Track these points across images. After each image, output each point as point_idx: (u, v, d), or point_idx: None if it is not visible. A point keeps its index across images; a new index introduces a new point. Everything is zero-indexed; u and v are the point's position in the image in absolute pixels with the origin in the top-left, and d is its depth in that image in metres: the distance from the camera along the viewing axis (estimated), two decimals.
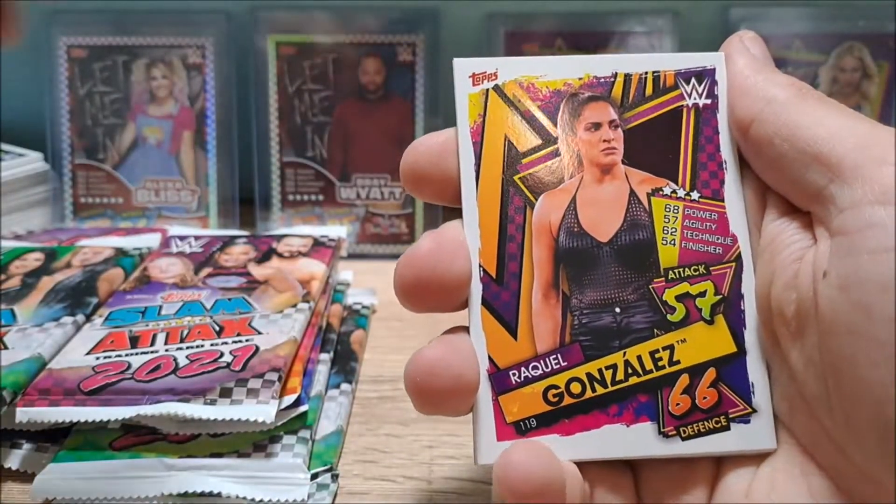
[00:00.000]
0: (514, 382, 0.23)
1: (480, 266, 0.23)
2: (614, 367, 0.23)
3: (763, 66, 0.23)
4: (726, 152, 0.24)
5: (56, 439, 0.30)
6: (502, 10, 0.55)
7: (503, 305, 0.23)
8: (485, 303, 0.23)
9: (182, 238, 0.43)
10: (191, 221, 0.53)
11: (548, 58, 0.25)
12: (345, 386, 0.34)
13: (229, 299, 0.36)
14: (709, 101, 0.24)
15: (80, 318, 0.35)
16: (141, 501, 0.27)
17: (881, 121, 0.54)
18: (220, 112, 0.53)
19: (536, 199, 0.24)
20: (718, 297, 0.23)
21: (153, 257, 0.41)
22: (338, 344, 0.37)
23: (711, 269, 0.23)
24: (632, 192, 0.24)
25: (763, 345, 0.23)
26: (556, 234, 0.23)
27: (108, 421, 0.28)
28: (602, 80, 0.24)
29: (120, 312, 0.35)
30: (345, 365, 0.36)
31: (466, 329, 0.23)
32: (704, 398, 0.23)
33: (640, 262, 0.23)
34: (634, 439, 0.22)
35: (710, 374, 0.23)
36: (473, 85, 0.24)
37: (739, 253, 0.23)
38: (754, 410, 0.23)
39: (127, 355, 0.31)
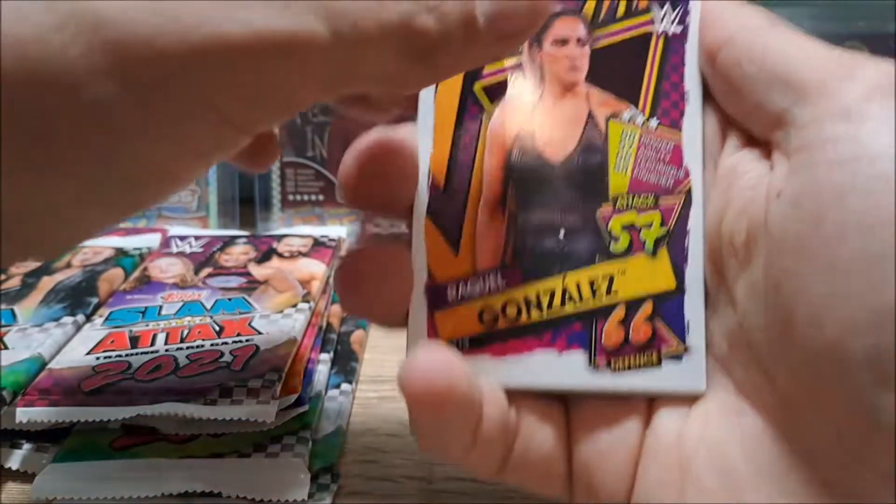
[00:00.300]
0: (450, 299, 0.22)
1: (430, 173, 0.23)
2: (552, 292, 0.23)
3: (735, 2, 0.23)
4: (691, 83, 0.23)
5: (56, 439, 0.30)
6: None
7: (448, 218, 0.23)
8: (430, 213, 0.23)
9: (182, 238, 0.43)
10: (191, 221, 0.53)
11: None
12: (345, 386, 0.34)
13: (229, 299, 0.36)
14: (679, 30, 0.24)
15: (81, 318, 0.35)
16: (141, 501, 0.27)
17: None
18: None
19: (494, 110, 0.23)
20: (664, 229, 0.23)
21: (153, 257, 0.41)
22: (338, 344, 0.37)
23: (660, 200, 0.23)
24: (590, 114, 0.23)
25: (706, 282, 0.23)
26: (510, 149, 0.23)
27: (108, 421, 0.28)
28: None
29: (120, 312, 0.35)
30: (345, 365, 0.36)
31: (406, 241, 0.23)
32: (638, 332, 0.22)
33: (590, 187, 0.23)
34: (565, 368, 0.22)
35: (647, 308, 0.22)
36: None
37: (690, 188, 0.23)
38: (687, 349, 0.22)
39: (127, 355, 0.31)
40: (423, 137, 0.23)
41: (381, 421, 0.34)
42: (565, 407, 0.23)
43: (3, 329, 0.34)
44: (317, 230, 0.47)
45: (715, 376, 0.22)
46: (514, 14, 0.19)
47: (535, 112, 0.23)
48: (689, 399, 0.22)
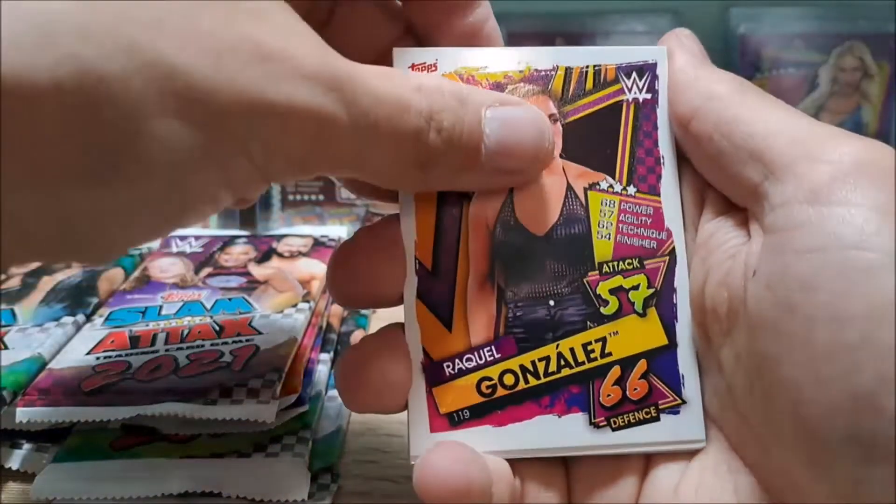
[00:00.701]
0: (447, 374, 0.23)
1: (416, 259, 0.23)
2: (547, 358, 0.23)
3: (702, 63, 0.23)
4: (664, 148, 0.24)
5: (56, 439, 0.30)
6: (502, 10, 0.55)
7: (438, 298, 0.23)
8: (420, 296, 0.23)
9: (182, 238, 0.43)
10: None
11: (488, 49, 0.24)
12: None
13: (229, 299, 0.36)
14: (649, 96, 0.24)
15: (81, 317, 0.35)
16: (141, 501, 0.27)
17: (882, 121, 0.54)
18: None
19: (473, 193, 0.23)
20: (651, 290, 0.23)
21: (153, 257, 0.41)
22: (338, 344, 0.37)
23: (645, 262, 0.23)
24: (569, 187, 0.24)
25: (696, 341, 0.23)
26: (493, 228, 0.23)
27: (108, 421, 0.28)
28: (543, 72, 0.24)
29: (120, 312, 0.35)
30: None
31: (401, 325, 0.23)
32: (635, 389, 0.23)
33: (575, 256, 0.23)
34: (566, 430, 0.23)
35: (641, 365, 0.23)
36: None
37: (673, 247, 0.23)
38: (684, 402, 0.23)
39: (127, 355, 0.31)
40: (407, 225, 0.23)
41: (381, 421, 0.34)
42: (566, 470, 0.24)
43: (4, 329, 0.34)
44: (317, 230, 0.47)
45: (710, 431, 0.23)
46: (517, 154, 0.22)
47: (513, 190, 0.23)
48: (689, 454, 0.23)
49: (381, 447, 0.32)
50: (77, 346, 0.32)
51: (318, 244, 0.42)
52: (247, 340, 0.32)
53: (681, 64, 0.23)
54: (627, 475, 0.23)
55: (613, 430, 0.23)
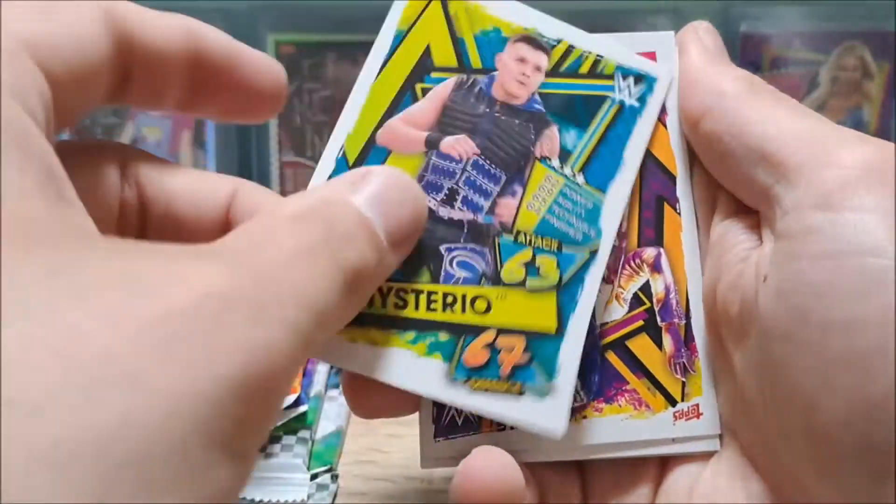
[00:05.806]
0: None
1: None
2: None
3: (715, 59, 0.23)
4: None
5: None
6: None
7: None
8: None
9: None
10: None
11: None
12: None
13: None
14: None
15: None
16: None
17: (882, 120, 0.54)
18: None
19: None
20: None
21: None
22: None
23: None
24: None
25: (707, 344, 0.23)
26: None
27: None
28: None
29: None
30: None
31: None
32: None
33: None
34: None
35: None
36: None
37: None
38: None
39: None
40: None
41: (381, 421, 0.33)
42: (581, 474, 0.24)
43: None
44: None
45: (725, 437, 0.22)
46: (405, 226, 0.19)
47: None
48: (705, 457, 0.22)
49: (381, 447, 0.32)
50: None
51: None
52: None
53: (693, 60, 0.23)
54: (643, 480, 0.23)
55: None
